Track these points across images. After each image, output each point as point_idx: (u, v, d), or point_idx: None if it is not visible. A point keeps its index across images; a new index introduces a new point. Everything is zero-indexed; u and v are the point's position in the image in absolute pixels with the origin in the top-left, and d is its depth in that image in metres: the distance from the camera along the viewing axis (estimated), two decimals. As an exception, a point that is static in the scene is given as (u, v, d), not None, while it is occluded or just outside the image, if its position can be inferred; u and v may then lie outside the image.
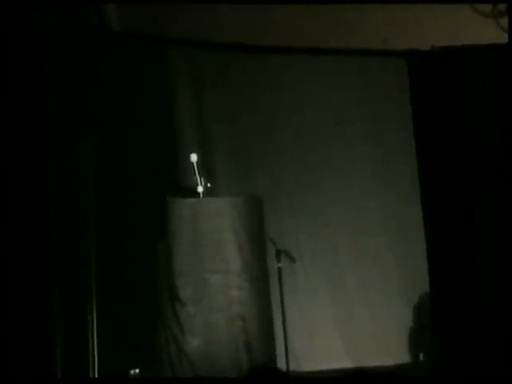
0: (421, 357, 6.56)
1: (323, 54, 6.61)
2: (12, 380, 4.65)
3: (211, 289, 5.62)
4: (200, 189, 5.78)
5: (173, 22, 5.92)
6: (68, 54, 5.68)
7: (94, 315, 5.39)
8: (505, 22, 6.04)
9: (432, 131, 5.91)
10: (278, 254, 5.99)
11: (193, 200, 5.81)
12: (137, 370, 5.46)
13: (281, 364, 5.74)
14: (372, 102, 6.88)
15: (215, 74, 6.64)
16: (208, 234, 5.70)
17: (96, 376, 5.32)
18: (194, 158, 5.84)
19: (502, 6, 6.36)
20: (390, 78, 6.76)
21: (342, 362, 6.26)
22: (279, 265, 5.98)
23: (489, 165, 5.69)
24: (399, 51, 6.19)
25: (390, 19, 6.14)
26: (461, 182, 5.85)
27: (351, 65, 6.85)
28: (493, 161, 5.68)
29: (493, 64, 5.73)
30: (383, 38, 6.28)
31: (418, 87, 5.98)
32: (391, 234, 6.81)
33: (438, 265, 5.86)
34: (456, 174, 5.85)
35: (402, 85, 6.18)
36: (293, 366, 5.90)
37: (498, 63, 5.65)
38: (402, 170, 6.71)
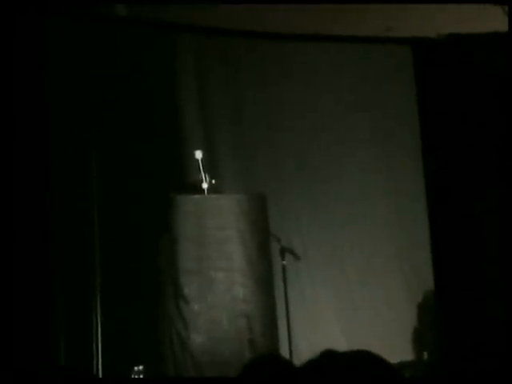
0: (425, 356, 6.54)
1: (327, 42, 6.58)
2: (16, 377, 4.63)
3: (215, 286, 5.61)
4: (205, 185, 5.77)
5: (180, 10, 5.89)
6: (71, 40, 5.66)
7: (99, 312, 5.39)
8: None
9: (437, 119, 5.89)
10: (282, 251, 5.98)
11: (197, 197, 5.80)
12: (140, 367, 5.44)
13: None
14: (377, 93, 6.83)
15: (220, 67, 6.61)
16: (212, 230, 5.69)
17: (100, 372, 5.32)
18: (198, 154, 5.83)
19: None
20: (394, 66, 6.72)
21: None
22: (283, 262, 5.97)
23: (496, 156, 5.66)
24: (404, 39, 6.17)
25: (394, 7, 6.10)
26: (467, 175, 5.82)
27: (355, 53, 6.82)
28: (499, 151, 5.65)
29: (498, 51, 5.69)
30: (387, 25, 6.26)
31: (423, 75, 5.96)
32: (395, 231, 6.79)
33: (443, 263, 5.85)
34: (462, 166, 5.82)
35: (407, 73, 6.15)
36: (296, 363, 5.87)
37: (503, 50, 5.62)
38: (408, 164, 6.68)
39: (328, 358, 1.94)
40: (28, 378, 4.45)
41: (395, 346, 6.39)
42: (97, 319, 5.40)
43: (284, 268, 5.95)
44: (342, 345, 6.35)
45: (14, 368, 4.61)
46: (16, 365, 4.69)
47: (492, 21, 5.90)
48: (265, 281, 5.77)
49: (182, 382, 5.50)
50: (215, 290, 5.60)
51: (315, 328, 6.45)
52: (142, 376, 5.26)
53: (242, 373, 2.29)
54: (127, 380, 5.33)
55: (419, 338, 6.62)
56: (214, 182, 5.83)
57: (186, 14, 5.93)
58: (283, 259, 5.97)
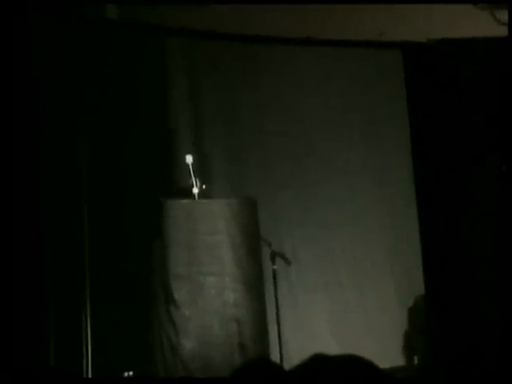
0: (415, 360, 6.54)
1: (318, 45, 6.60)
2: (5, 381, 4.62)
3: (206, 291, 5.59)
4: (195, 190, 5.76)
5: (170, 13, 5.90)
6: (61, 43, 5.64)
7: (88, 317, 5.37)
8: (500, 14, 6.03)
9: (427, 123, 5.91)
10: (273, 256, 5.97)
11: (188, 201, 5.78)
12: (131, 373, 5.43)
13: (275, 366, 5.71)
14: (367, 97, 6.84)
15: (211, 70, 6.61)
16: (203, 235, 5.67)
17: (90, 376, 5.30)
18: (189, 159, 5.82)
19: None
20: (385, 70, 6.73)
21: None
22: (274, 267, 5.95)
23: (486, 158, 5.67)
24: (395, 43, 6.19)
25: (385, 11, 6.13)
26: (457, 177, 5.83)
27: (346, 57, 6.82)
28: (490, 154, 5.66)
29: (488, 56, 5.71)
30: (379, 30, 6.27)
31: (413, 79, 5.98)
32: (386, 234, 6.80)
33: (434, 267, 5.85)
34: (451, 168, 5.84)
35: (397, 77, 6.16)
36: (287, 368, 5.84)
37: (493, 56, 5.63)
38: (399, 167, 6.69)
39: (318, 361, 1.94)
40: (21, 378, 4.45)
41: (386, 349, 6.40)
42: (87, 324, 5.38)
43: (275, 272, 5.94)
44: (332, 349, 6.34)
45: (6, 369, 4.59)
46: (5, 371, 4.67)
47: (482, 26, 5.92)
48: (255, 285, 5.76)
49: (176, 383, 5.49)
50: (206, 294, 5.58)
51: (306, 332, 6.45)
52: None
53: (231, 377, 2.29)
54: (120, 380, 5.32)
55: (410, 342, 6.63)
56: (204, 186, 5.82)
57: (177, 17, 5.93)
58: (274, 264, 5.96)
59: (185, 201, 5.79)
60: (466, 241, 5.81)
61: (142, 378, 5.45)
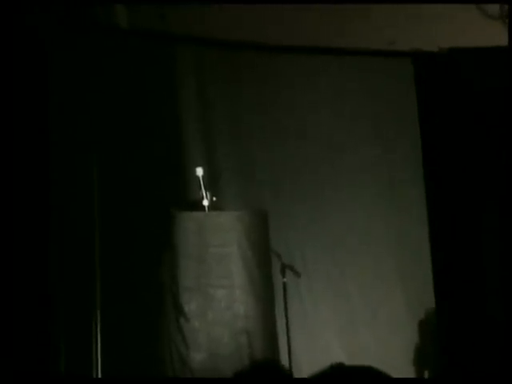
0: (425, 374, 6.52)
1: (327, 54, 6.60)
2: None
3: (216, 303, 5.60)
4: (205, 202, 5.77)
5: (181, 21, 5.92)
6: (71, 53, 5.66)
7: (98, 329, 5.37)
8: (511, 23, 6.04)
9: (438, 133, 5.90)
10: (283, 268, 5.97)
11: (198, 214, 5.80)
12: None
13: (285, 378, 5.70)
14: (377, 107, 6.84)
15: (222, 81, 6.63)
16: (213, 248, 5.68)
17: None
18: (199, 171, 5.84)
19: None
20: (395, 80, 6.73)
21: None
22: (284, 280, 5.96)
23: (498, 168, 5.66)
24: (405, 52, 6.19)
25: (395, 20, 6.13)
26: (468, 187, 5.82)
27: (356, 65, 6.82)
28: (501, 164, 5.65)
29: (500, 66, 5.70)
30: (389, 39, 6.27)
31: (424, 89, 5.97)
32: (396, 246, 6.78)
33: (444, 278, 5.84)
34: (463, 179, 5.83)
35: (408, 86, 6.16)
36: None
37: (505, 65, 5.63)
38: (409, 178, 6.68)
39: (336, 371, 1.95)
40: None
41: (396, 362, 6.37)
42: (96, 337, 5.39)
43: (285, 285, 5.94)
44: (342, 361, 6.31)
45: (13, 371, 4.58)
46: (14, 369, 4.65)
47: (494, 36, 5.92)
48: (265, 298, 5.77)
49: (182, 383, 5.49)
50: (216, 307, 5.59)
51: (316, 345, 6.44)
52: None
53: (240, 376, 2.30)
54: (127, 380, 5.31)
55: (420, 355, 6.60)
56: (214, 199, 5.83)
57: (187, 26, 5.95)
58: (284, 276, 5.96)
59: (195, 213, 5.81)
60: (478, 251, 5.80)
61: (148, 378, 5.43)
